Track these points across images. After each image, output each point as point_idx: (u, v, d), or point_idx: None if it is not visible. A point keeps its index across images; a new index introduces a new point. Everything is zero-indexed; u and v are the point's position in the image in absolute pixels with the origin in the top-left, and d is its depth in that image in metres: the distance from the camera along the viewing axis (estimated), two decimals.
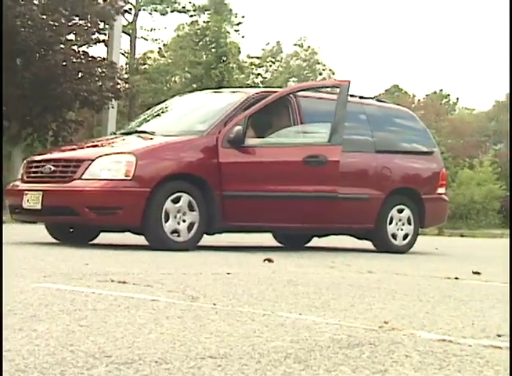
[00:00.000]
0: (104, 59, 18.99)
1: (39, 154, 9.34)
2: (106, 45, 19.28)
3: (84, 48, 18.78)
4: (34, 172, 8.61)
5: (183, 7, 41.50)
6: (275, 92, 9.43)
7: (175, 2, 41.31)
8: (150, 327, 3.07)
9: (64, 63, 17.54)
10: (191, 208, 8.34)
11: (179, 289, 4.47)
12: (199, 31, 36.71)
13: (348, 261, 7.88)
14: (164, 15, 40.89)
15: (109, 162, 8.16)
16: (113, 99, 18.94)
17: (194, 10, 41.57)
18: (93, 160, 8.16)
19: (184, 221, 8.30)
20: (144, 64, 36.63)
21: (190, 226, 8.35)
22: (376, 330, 3.17)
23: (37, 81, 17.25)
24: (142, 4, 39.75)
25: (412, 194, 10.27)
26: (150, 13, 40.43)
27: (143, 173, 8.12)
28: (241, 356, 2.54)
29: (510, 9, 39.73)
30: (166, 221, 8.19)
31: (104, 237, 9.51)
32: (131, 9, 30.65)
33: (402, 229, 10.11)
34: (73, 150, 9.13)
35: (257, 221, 9.04)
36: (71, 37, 18.48)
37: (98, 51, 18.99)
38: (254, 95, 9.29)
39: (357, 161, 9.92)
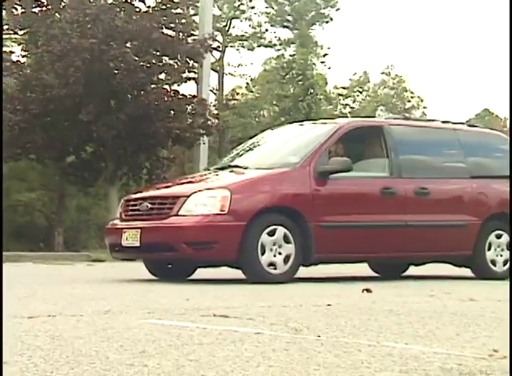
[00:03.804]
0: (194, 96, 19.22)
1: (136, 193, 9.47)
2: (196, 83, 19.51)
3: (175, 86, 19.07)
4: (132, 210, 8.68)
5: (269, 41, 41.81)
6: (366, 121, 9.37)
7: (261, 37, 41.66)
8: (258, 360, 3.08)
9: (156, 103, 17.81)
10: (286, 240, 8.28)
11: (281, 321, 4.46)
12: (285, 65, 36.81)
13: (447, 289, 7.74)
14: (250, 50, 41.25)
15: (204, 197, 8.18)
16: (204, 135, 19.13)
17: (280, 44, 41.84)
18: (188, 197, 8.20)
19: (280, 253, 8.25)
20: (233, 100, 36.88)
21: (286, 259, 8.28)
22: (487, 359, 3.11)
23: (132, 121, 17.56)
24: (229, 41, 40.20)
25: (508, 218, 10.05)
26: (237, 49, 40.84)
27: (238, 207, 8.12)
28: None
29: None
30: (262, 254, 8.15)
31: (200, 272, 9.57)
32: (218, 46, 31.07)
33: (501, 255, 9.85)
34: (169, 187, 9.23)
35: (352, 251, 8.96)
36: (162, 76, 18.76)
37: (188, 89, 19.31)
38: (344, 126, 9.25)
39: (452, 188, 9.79)
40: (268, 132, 10.73)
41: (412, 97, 50.60)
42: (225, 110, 29.28)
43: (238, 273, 8.68)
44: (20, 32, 18.98)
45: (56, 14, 17.93)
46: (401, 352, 3.31)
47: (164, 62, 18.54)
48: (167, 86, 18.78)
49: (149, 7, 18.40)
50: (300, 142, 9.34)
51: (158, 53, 18.28)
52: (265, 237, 8.16)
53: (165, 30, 18.26)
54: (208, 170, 10.36)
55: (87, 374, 2.77)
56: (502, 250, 9.87)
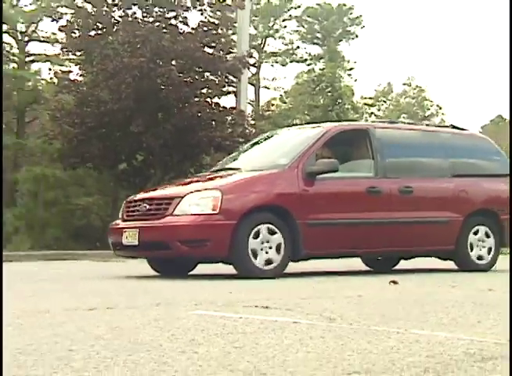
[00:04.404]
0: (234, 108, 19.23)
1: (136, 195, 9.11)
2: (235, 96, 19.52)
3: (216, 99, 19.09)
4: (132, 211, 8.48)
5: (301, 57, 41.81)
6: (352, 124, 9.16)
7: (293, 54, 41.67)
8: (297, 347, 3.08)
9: (199, 114, 17.86)
10: (275, 238, 8.01)
11: (317, 311, 4.45)
12: (315, 78, 36.71)
13: (468, 280, 7.70)
14: (283, 65, 41.28)
15: (197, 198, 7.96)
16: (242, 143, 19.14)
17: (311, 59, 41.81)
18: (182, 197, 8.01)
19: (270, 248, 7.99)
20: (268, 111, 36.86)
21: (276, 254, 8.00)
22: (506, 344, 3.08)
23: (177, 131, 17.62)
24: (264, 57, 40.27)
25: (491, 215, 9.74)
26: (272, 65, 40.95)
27: (229, 207, 7.86)
28: (384, 371, 2.52)
29: None
30: (252, 250, 7.88)
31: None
32: (255, 62, 31.12)
33: (483, 248, 9.58)
34: (165, 188, 9.03)
35: (338, 246, 8.69)
36: (204, 90, 18.79)
37: (228, 101, 19.39)
38: (331, 129, 9.02)
39: (435, 186, 9.50)
40: (263, 137, 10.41)
41: (431, 105, 50.28)
42: (261, 120, 29.26)
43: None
44: (78, 53, 19.12)
45: (109, 36, 18.04)
46: (427, 338, 3.29)
47: (206, 77, 18.57)
48: (209, 99, 18.80)
49: (192, 29, 18.45)
50: (290, 145, 9.05)
51: (201, 70, 18.32)
52: (254, 235, 7.92)
53: (207, 49, 18.29)
54: (205, 172, 10.14)
55: (143, 361, 2.79)
56: (484, 245, 9.61)
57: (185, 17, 18.52)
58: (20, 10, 23.42)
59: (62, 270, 10.26)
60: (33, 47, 24.72)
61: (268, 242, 7.99)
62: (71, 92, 18.64)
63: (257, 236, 7.93)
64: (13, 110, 23.90)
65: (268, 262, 7.97)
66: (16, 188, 19.18)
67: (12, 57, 24.15)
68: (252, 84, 36.18)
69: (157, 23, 18.07)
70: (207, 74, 18.50)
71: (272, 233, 8.00)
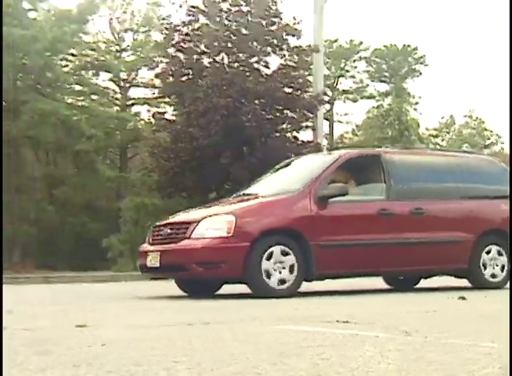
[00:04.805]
0: (311, 141, 19.22)
1: (162, 221, 8.80)
2: (312, 130, 19.51)
3: (295, 133, 19.13)
4: (157, 235, 8.23)
5: (370, 94, 41.61)
6: (364, 150, 8.87)
7: (363, 91, 41.55)
8: (378, 359, 3.03)
9: (280, 148, 17.90)
10: (288, 258, 7.66)
11: (393, 326, 4.38)
12: (384, 112, 36.50)
13: None
14: (355, 102, 41.18)
15: (212, 222, 7.70)
16: None
17: (379, 95, 41.59)
18: (199, 222, 7.76)
19: (284, 268, 7.62)
20: (341, 143, 36.82)
21: (289, 275, 7.65)
22: None
23: (261, 163, 17.69)
24: (337, 95, 40.26)
25: (503, 234, 9.10)
26: (344, 101, 40.93)
27: (242, 230, 7.57)
28: None
29: None
30: (266, 271, 7.55)
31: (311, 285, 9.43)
32: (329, 100, 31.16)
33: (496, 266, 9.01)
34: (187, 213, 8.73)
35: (350, 267, 8.24)
36: (284, 126, 18.86)
37: (305, 135, 19.45)
38: (344, 155, 8.72)
39: (446, 208, 8.97)
40: (283, 164, 9.97)
41: (491, 135, 49.33)
42: None
43: (348, 285, 8.52)
44: (172, 96, 19.47)
45: (199, 80, 18.31)
46: (498, 351, 3.20)
47: (285, 114, 18.65)
48: (288, 134, 18.87)
49: (273, 71, 18.60)
50: (305, 171, 8.73)
51: (281, 107, 18.41)
52: (267, 256, 7.59)
53: (286, 89, 18.39)
54: (228, 199, 9.66)
55: (240, 371, 2.78)
56: (496, 263, 9.04)
57: (267, 61, 18.68)
58: (123, 61, 24.01)
59: (158, 288, 10.36)
60: (133, 92, 25.20)
61: (281, 262, 7.64)
62: (167, 130, 18.98)
63: (270, 257, 7.59)
64: (116, 148, 24.46)
65: (282, 281, 7.63)
66: (120, 215, 19.52)
67: (115, 101, 24.74)
68: (327, 120, 36.12)
69: (242, 68, 18.28)
70: (286, 111, 18.58)
71: (285, 254, 7.66)
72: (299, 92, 18.64)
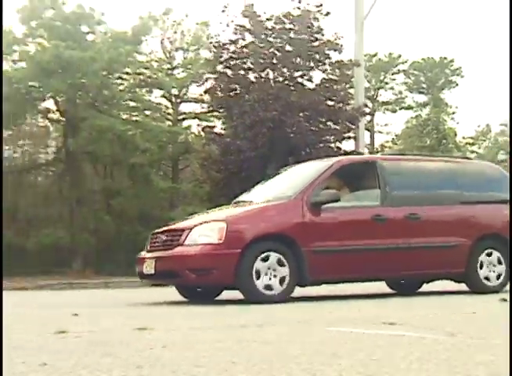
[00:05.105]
0: (353, 151, 19.13)
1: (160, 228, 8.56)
2: (354, 140, 19.40)
3: (337, 144, 19.05)
4: (154, 243, 7.99)
5: (409, 105, 41.39)
6: (359, 157, 8.65)
7: (402, 102, 41.30)
8: (426, 358, 3.00)
9: (324, 158, 17.83)
10: (280, 264, 7.34)
11: (438, 327, 4.34)
12: (422, 122, 36.16)
13: None
14: (394, 112, 40.98)
15: (204, 229, 7.44)
16: None
17: (417, 106, 41.32)
18: (191, 229, 7.51)
19: (275, 276, 7.30)
20: (382, 152, 36.55)
21: (281, 281, 7.33)
22: None
23: None
24: (377, 106, 40.09)
25: (500, 239, 8.70)
26: (384, 112, 40.75)
27: (233, 237, 7.28)
28: None
29: None
30: (257, 277, 7.24)
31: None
32: (370, 111, 31.01)
33: (493, 271, 8.58)
34: (183, 221, 8.43)
35: (343, 272, 7.85)
36: (328, 137, 18.80)
37: (348, 145, 19.37)
38: (338, 162, 8.37)
39: (442, 213, 8.56)
40: (280, 171, 9.70)
41: None
42: None
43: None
44: (220, 110, 19.58)
45: (246, 95, 18.37)
46: None
47: (328, 126, 18.59)
48: (332, 144, 18.81)
49: (316, 85, 18.57)
50: (300, 177, 8.40)
51: (324, 120, 18.37)
52: (259, 262, 7.27)
53: (329, 102, 18.35)
54: (225, 206, 9.43)
55: (297, 372, 2.77)
56: (494, 266, 8.62)
57: (310, 76, 18.67)
58: (174, 78, 24.22)
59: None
60: (184, 107, 25.38)
61: (273, 269, 7.33)
62: (216, 143, 19.07)
63: (261, 263, 7.28)
64: (169, 160, 24.64)
65: (273, 287, 7.32)
66: None
67: (167, 116, 24.97)
68: (368, 130, 35.97)
69: (286, 82, 18.29)
70: (329, 123, 18.53)
71: (277, 260, 7.35)
72: (341, 104, 18.57)
